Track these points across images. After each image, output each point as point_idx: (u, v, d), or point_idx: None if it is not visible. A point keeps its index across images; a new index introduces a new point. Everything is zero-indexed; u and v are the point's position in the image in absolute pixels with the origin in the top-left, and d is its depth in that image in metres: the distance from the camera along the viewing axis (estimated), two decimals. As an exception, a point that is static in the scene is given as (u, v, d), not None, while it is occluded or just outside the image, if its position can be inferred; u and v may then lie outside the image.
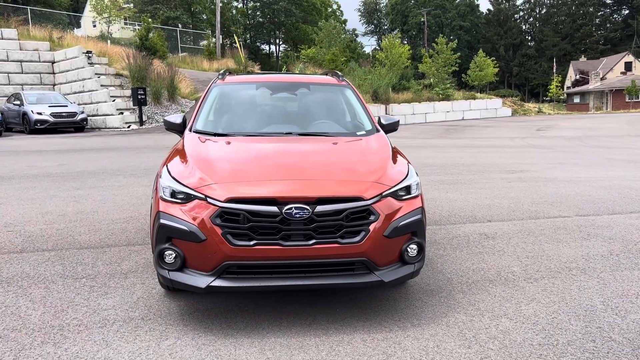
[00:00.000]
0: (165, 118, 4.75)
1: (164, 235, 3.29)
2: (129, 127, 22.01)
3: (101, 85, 23.45)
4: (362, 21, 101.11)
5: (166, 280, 3.34)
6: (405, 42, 67.37)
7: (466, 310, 3.68)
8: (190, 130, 4.37)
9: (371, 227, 3.25)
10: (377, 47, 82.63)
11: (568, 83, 70.76)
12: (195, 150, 3.85)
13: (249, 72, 5.03)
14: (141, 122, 22.17)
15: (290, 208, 3.14)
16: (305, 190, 3.24)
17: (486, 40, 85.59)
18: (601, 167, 11.31)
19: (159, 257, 3.33)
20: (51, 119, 20.88)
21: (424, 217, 3.53)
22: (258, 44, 72.98)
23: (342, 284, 3.27)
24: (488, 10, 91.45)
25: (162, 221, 3.29)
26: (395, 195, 3.42)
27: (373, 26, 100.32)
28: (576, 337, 3.25)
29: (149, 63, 24.29)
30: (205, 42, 45.48)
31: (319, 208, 3.17)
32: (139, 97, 21.64)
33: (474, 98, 36.92)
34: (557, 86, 64.76)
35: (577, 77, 66.53)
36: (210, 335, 3.31)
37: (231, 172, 3.44)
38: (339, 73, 5.40)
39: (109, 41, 32.93)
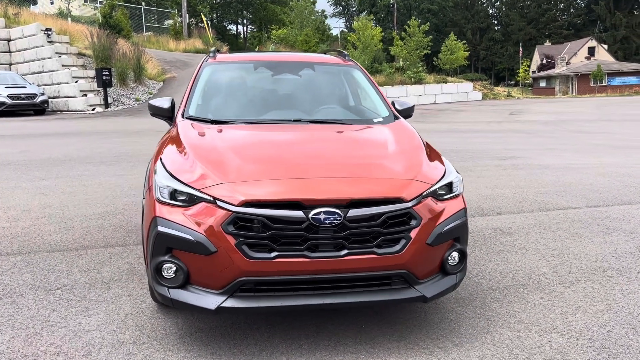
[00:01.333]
0: (151, 102, 4.12)
1: (162, 245, 2.71)
2: (93, 109, 20.88)
3: (62, 65, 22.15)
4: (330, 2, 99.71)
5: (165, 300, 2.76)
6: (374, 24, 66.77)
7: (508, 323, 3.23)
8: (182, 117, 3.76)
9: (412, 234, 2.74)
10: (345, 29, 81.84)
11: (534, 67, 71.56)
12: (195, 141, 3.26)
13: (216, 51, 4.31)
14: (106, 105, 21.06)
15: (319, 212, 2.60)
16: (335, 190, 2.70)
17: (454, 24, 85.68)
18: (589, 153, 11.10)
19: (157, 272, 2.75)
20: (8, 101, 19.58)
21: (467, 219, 3.04)
22: (225, 24, 71.10)
23: (378, 301, 2.77)
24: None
25: (160, 229, 2.70)
26: (435, 194, 2.92)
27: (341, 7, 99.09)
28: (642, 357, 2.84)
29: (114, 42, 23.07)
30: (170, 22, 44.01)
31: (353, 212, 2.64)
32: (104, 78, 20.49)
33: (446, 82, 36.79)
34: (525, 70, 65.45)
35: (544, 61, 67.36)
36: (220, 363, 2.76)
37: (244, 168, 2.87)
38: (345, 52, 4.84)
39: (69, 18, 31.27)
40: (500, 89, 45.47)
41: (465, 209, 3.04)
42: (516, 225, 5.37)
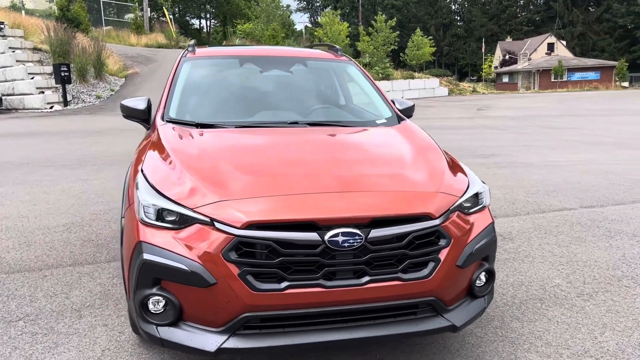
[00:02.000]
0: (123, 102, 3.65)
1: (149, 276, 2.28)
2: (51, 108, 19.83)
3: (17, 61, 20.95)
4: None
5: (153, 339, 2.33)
6: (340, 19, 66.51)
7: (535, 346, 2.92)
8: (162, 119, 3.29)
9: (441, 255, 2.38)
10: (310, 24, 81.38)
11: (496, 63, 72.60)
12: (181, 149, 2.81)
13: (195, 45, 3.77)
14: (65, 102, 20.05)
15: (337, 234, 2.21)
16: (354, 207, 2.32)
17: (417, 20, 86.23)
18: (565, 149, 11.03)
19: (142, 307, 2.31)
20: (-42, 99, 18.42)
21: (496, 235, 2.71)
22: (187, 18, 69.54)
23: (403, 334, 2.39)
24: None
25: (145, 256, 2.26)
26: (462, 208, 2.57)
27: (305, 2, 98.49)
28: (689, 383, 2.56)
29: (72, 36, 21.97)
30: (131, 15, 42.79)
31: (375, 232, 2.26)
32: (62, 74, 19.48)
33: (413, 78, 36.77)
34: (489, 66, 66.38)
35: (506, 57, 68.41)
36: (219, 410, 2.34)
37: (243, 182, 2.44)
38: (337, 47, 4.46)
39: (23, 12, 29.81)
40: (465, 85, 45.82)
41: (493, 223, 2.70)
42: (515, 229, 5.10)
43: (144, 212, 2.36)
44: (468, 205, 2.62)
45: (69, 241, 4.66)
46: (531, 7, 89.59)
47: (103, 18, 36.71)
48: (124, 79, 23.25)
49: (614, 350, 2.89)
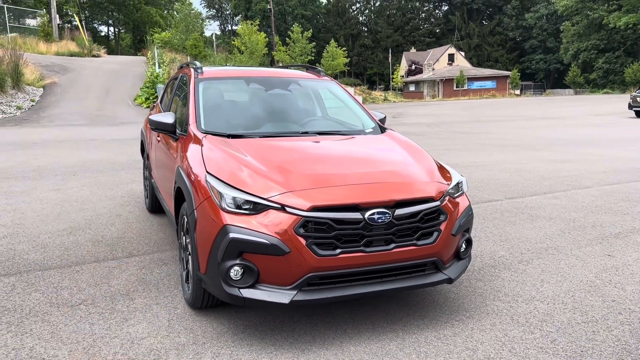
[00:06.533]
0: (152, 117, 4.26)
1: (235, 250, 3.00)
2: (-36, 119, 18.92)
3: None
4: (203, 4, 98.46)
5: (236, 299, 3.05)
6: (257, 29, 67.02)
7: (497, 296, 3.93)
8: (198, 130, 3.96)
9: (442, 227, 3.31)
10: (219, 32, 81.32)
11: (402, 72, 76.62)
12: (236, 153, 3.51)
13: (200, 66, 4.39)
14: (-20, 113, 19.21)
15: (373, 213, 3.07)
16: (383, 194, 3.18)
17: (327, 30, 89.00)
18: (481, 151, 12.57)
19: (227, 275, 3.03)
20: None
21: (473, 213, 3.68)
22: (95, 25, 67.09)
23: (416, 285, 3.30)
24: (328, 0, 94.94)
25: (232, 235, 2.99)
26: (450, 194, 3.52)
27: (215, 10, 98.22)
28: (604, 312, 3.66)
29: (-17, 45, 21.07)
30: (32, 22, 40.95)
31: (399, 211, 3.15)
32: (-23, 84, 18.70)
33: (329, 86, 38.22)
34: (402, 76, 69.91)
35: (412, 67, 72.37)
36: (282, 353, 3.11)
37: (299, 177, 3.22)
38: (319, 68, 5.30)
39: None
40: (377, 93, 48.28)
41: (470, 204, 3.68)
42: (459, 217, 6.19)
43: (225, 201, 3.08)
44: (453, 191, 3.57)
45: (80, 243, 5.12)
46: (432, 19, 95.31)
47: (8, 24, 34.91)
48: (42, 89, 22.55)
49: (552, 295, 3.96)
